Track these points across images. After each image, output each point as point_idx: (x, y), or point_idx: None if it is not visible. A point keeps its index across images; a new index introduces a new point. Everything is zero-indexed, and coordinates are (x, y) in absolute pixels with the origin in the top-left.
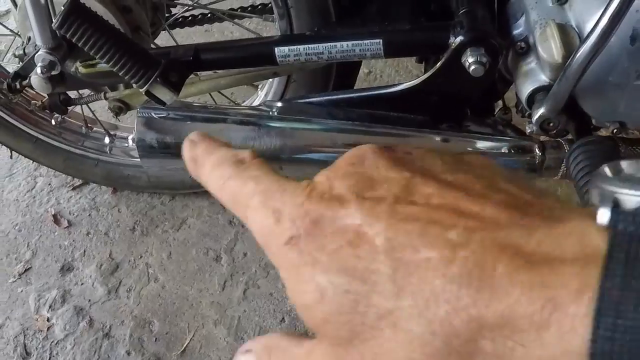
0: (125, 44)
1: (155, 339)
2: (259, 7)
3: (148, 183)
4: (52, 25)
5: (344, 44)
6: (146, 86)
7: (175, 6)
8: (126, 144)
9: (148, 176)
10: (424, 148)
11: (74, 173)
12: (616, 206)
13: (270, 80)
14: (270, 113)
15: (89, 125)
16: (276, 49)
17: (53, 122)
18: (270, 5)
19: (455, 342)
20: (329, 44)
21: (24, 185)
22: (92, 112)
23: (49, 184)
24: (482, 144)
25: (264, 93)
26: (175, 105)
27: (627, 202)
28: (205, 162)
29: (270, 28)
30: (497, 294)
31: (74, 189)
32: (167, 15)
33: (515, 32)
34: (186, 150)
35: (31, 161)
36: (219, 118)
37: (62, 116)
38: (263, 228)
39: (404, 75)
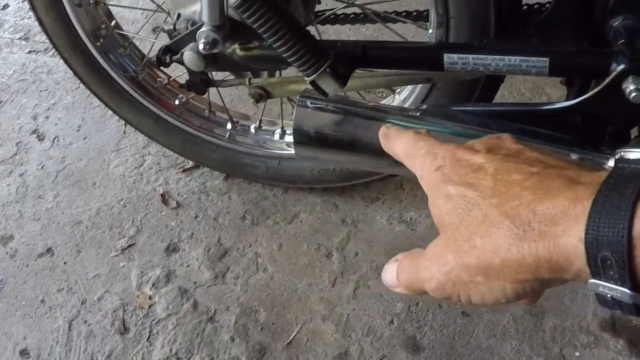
0: (300, 31)
1: (261, 328)
2: (414, 13)
3: (265, 173)
4: (232, 3)
5: (512, 58)
6: (314, 75)
7: (320, 2)
8: (250, 133)
9: (267, 167)
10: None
11: (190, 155)
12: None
13: (412, 86)
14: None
15: (212, 109)
16: (445, 55)
17: (177, 102)
18: (426, 12)
19: (517, 222)
20: (497, 56)
21: (131, 162)
22: (222, 97)
23: (158, 164)
24: None
25: (401, 98)
26: (334, 97)
27: (631, 154)
28: (393, 134)
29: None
30: (550, 197)
31: (184, 171)
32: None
33: None
34: (381, 130)
35: (140, 139)
36: (379, 115)
37: (187, 97)
38: (423, 163)
39: (517, 96)
